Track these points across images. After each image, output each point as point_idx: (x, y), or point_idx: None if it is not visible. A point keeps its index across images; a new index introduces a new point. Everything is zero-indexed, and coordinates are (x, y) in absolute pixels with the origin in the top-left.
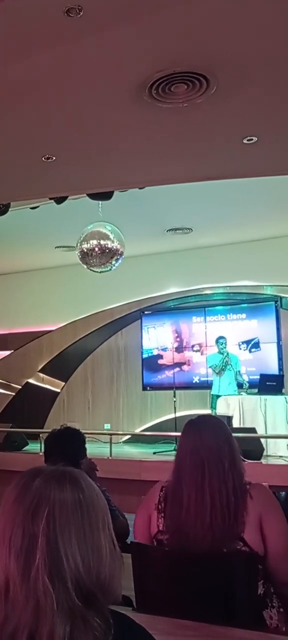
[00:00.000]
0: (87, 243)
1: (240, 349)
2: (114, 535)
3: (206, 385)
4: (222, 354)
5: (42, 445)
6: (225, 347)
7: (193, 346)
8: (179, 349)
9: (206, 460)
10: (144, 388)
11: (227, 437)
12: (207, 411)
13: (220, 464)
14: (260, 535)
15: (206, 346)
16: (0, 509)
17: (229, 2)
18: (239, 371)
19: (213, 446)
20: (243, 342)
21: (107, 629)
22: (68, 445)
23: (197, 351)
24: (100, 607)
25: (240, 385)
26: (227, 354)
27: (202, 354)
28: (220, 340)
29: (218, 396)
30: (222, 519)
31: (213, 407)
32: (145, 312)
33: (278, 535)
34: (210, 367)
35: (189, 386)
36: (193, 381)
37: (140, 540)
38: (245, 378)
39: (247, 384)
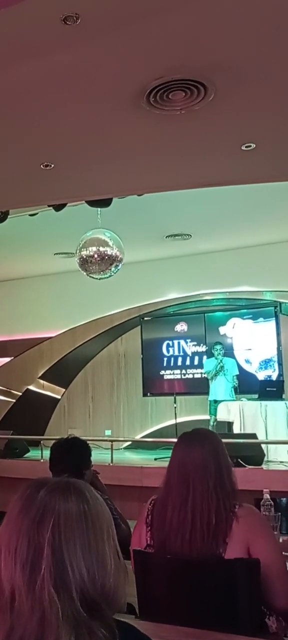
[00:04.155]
0: (86, 250)
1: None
2: (118, 546)
3: (207, 391)
4: (217, 359)
5: (43, 452)
6: (220, 353)
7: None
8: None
9: (192, 477)
10: (145, 394)
11: (215, 454)
12: (208, 417)
13: (205, 482)
14: (246, 556)
15: (206, 351)
16: (5, 520)
17: (227, 9)
18: (236, 375)
19: (200, 463)
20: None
21: (112, 638)
22: (74, 455)
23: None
24: (105, 617)
25: (236, 390)
26: (221, 359)
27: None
28: (216, 347)
29: (215, 401)
30: (200, 538)
31: (211, 412)
32: (145, 319)
33: (267, 558)
34: (205, 372)
35: (190, 392)
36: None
37: None
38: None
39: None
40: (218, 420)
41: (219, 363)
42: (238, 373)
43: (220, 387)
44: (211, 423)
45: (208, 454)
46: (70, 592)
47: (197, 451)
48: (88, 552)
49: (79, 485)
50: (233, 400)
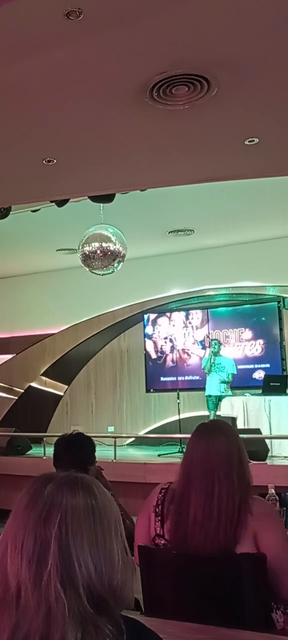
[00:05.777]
0: (88, 246)
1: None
2: (126, 542)
3: None
4: (210, 355)
5: (46, 450)
6: (215, 349)
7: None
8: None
9: (217, 469)
10: (148, 390)
11: (237, 445)
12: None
13: (230, 475)
14: (255, 550)
15: (209, 347)
16: (11, 515)
17: (230, 3)
18: (232, 374)
19: (225, 454)
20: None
21: (119, 635)
22: (78, 451)
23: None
24: (112, 613)
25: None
26: (213, 354)
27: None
28: (213, 342)
29: (209, 396)
30: (223, 533)
31: (209, 408)
32: (148, 314)
33: (275, 551)
34: (202, 368)
35: (193, 388)
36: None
37: (141, 542)
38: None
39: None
40: (222, 415)
41: (209, 359)
42: (235, 372)
43: (212, 383)
44: (210, 418)
45: (233, 445)
46: (77, 588)
47: (222, 441)
48: (95, 547)
49: (87, 480)
50: (224, 395)
